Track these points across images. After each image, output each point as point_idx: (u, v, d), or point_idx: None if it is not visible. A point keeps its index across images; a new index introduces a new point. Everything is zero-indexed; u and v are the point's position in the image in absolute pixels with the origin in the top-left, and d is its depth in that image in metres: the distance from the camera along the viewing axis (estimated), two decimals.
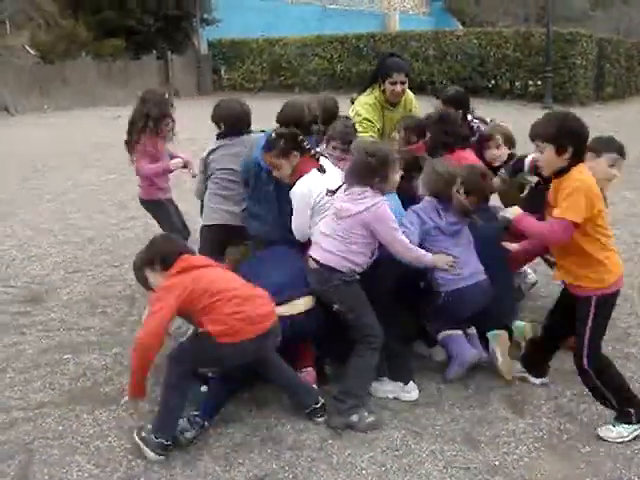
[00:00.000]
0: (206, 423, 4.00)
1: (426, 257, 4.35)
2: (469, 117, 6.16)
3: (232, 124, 5.42)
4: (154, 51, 31.43)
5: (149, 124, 5.63)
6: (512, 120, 20.44)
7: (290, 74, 34.08)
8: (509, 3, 59.66)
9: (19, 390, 4.61)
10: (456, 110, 5.85)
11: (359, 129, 5.79)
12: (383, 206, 4.12)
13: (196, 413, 3.98)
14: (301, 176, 4.58)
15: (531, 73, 28.19)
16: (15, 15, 28.92)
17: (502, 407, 4.34)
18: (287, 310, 4.17)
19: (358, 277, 4.19)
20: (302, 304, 4.24)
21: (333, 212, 4.26)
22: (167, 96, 6.16)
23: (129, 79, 29.38)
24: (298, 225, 4.62)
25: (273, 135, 4.64)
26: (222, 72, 35.01)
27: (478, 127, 6.14)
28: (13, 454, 3.88)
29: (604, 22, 62.36)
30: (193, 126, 19.28)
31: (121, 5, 29.20)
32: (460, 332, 4.66)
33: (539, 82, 27.77)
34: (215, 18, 33.66)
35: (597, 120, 21.83)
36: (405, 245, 4.21)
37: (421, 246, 4.45)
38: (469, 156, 5.29)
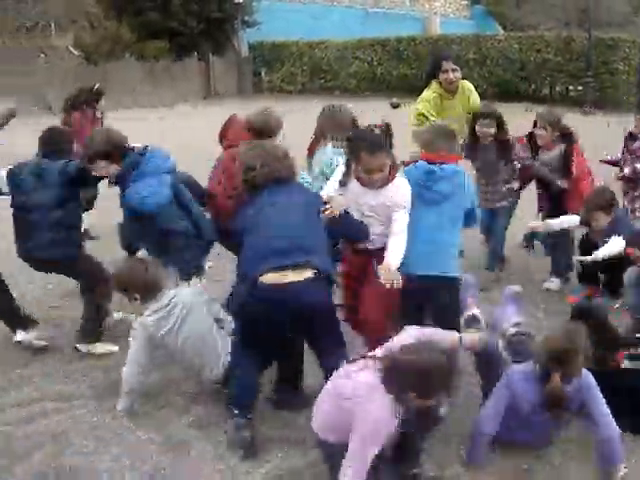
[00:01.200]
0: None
1: None
2: None
3: None
4: (196, 53, 31.76)
5: None
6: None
7: (330, 77, 34.21)
8: (550, 7, 59.10)
9: (55, 381, 4.77)
10: None
11: (415, 122, 6.89)
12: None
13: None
14: None
15: (572, 78, 28.04)
16: (60, 17, 29.43)
17: None
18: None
19: None
20: None
21: None
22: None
23: (172, 80, 29.74)
24: None
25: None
26: (262, 74, 35.25)
27: None
28: (44, 443, 4.02)
29: None
30: None
31: (164, 7, 29.65)
32: None
33: (580, 87, 27.59)
34: (256, 20, 33.95)
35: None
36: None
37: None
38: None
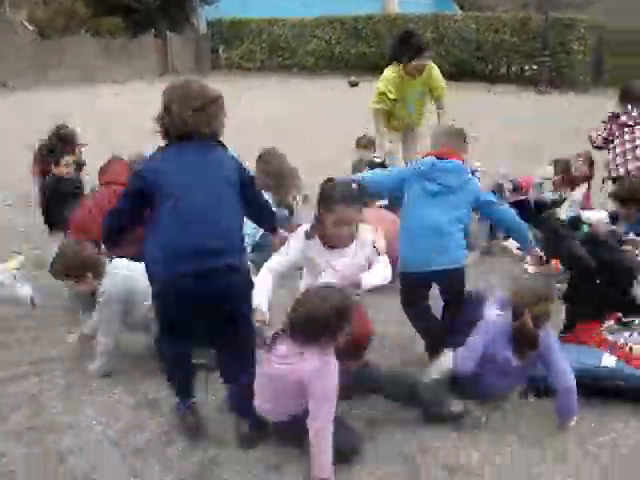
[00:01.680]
0: None
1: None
2: None
3: None
4: (153, 30, 31.49)
5: None
6: (508, 103, 20.71)
7: (288, 54, 34.18)
8: None
9: (27, 347, 4.82)
10: None
11: (375, 101, 7.45)
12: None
13: None
14: None
15: (528, 58, 28.40)
16: None
17: None
18: None
19: None
20: None
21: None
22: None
23: (128, 57, 29.49)
24: None
25: None
26: (220, 51, 35.09)
27: None
28: (21, 404, 4.09)
29: (603, 9, 62.38)
30: None
31: None
32: None
33: (535, 67, 27.96)
34: None
35: (595, 107, 22.06)
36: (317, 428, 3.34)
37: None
38: None
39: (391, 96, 7.36)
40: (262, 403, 3.59)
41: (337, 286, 3.58)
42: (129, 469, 3.51)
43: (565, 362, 3.87)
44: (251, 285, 3.64)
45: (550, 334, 3.94)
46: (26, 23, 28.11)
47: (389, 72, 7.38)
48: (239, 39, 34.93)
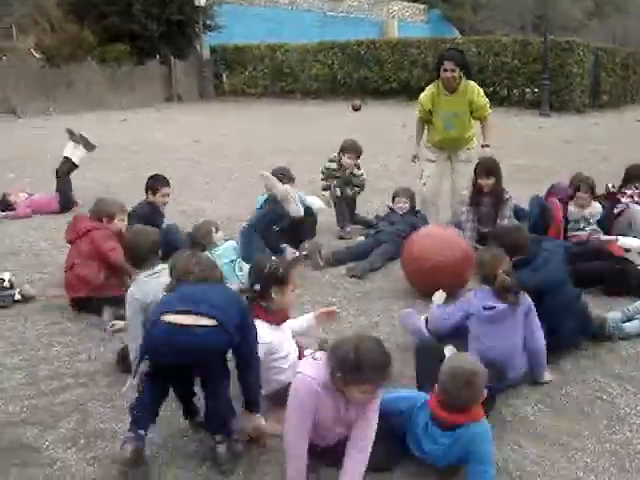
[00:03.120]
0: None
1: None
2: None
3: None
4: (157, 56, 31.90)
5: None
6: (512, 126, 21.00)
7: (291, 80, 34.56)
8: (507, 12, 60.13)
9: (66, 361, 5.05)
10: None
11: (418, 110, 7.98)
12: None
13: None
14: None
15: (528, 81, 28.72)
16: (21, 19, 29.41)
17: None
18: None
19: None
20: None
21: None
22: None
23: (133, 83, 29.87)
24: None
25: None
26: (224, 77, 35.50)
27: None
28: (70, 412, 4.32)
29: (600, 31, 63.01)
30: (196, 130, 19.80)
31: (125, 11, 29.76)
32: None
33: (536, 89, 28.29)
34: (217, 24, 34.18)
35: (594, 128, 22.39)
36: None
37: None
38: None
39: (425, 106, 7.80)
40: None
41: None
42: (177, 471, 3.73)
43: (539, 326, 4.59)
44: None
45: (527, 297, 4.58)
46: (33, 51, 28.52)
47: (429, 87, 7.84)
48: (242, 65, 35.34)
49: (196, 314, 3.57)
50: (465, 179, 7.76)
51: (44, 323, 5.77)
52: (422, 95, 7.87)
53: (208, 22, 33.86)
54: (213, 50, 35.43)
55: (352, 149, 8.45)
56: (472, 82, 7.70)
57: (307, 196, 7.82)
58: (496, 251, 4.80)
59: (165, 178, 7.48)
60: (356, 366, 3.26)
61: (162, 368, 3.77)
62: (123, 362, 4.75)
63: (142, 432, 3.72)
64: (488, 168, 7.30)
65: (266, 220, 7.04)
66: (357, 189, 8.60)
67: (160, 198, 7.34)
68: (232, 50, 35.54)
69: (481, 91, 7.76)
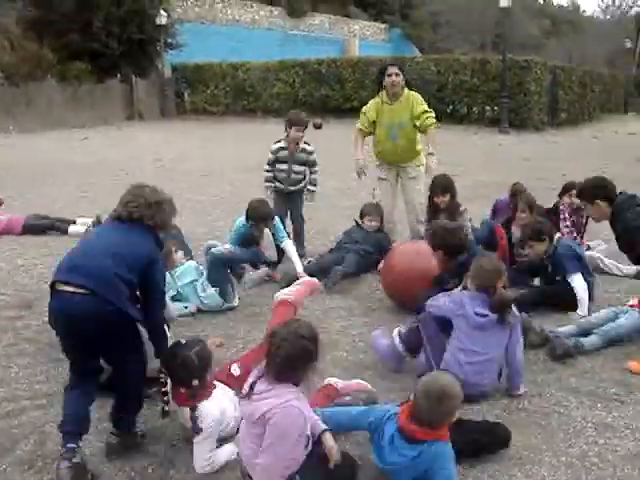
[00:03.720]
0: None
1: None
2: None
3: None
4: (118, 75, 31.80)
5: None
6: (471, 144, 21.24)
7: (253, 98, 34.63)
8: (466, 31, 60.92)
9: (25, 383, 4.99)
10: None
11: (359, 121, 7.89)
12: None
13: None
14: None
15: (488, 99, 29.11)
16: None
17: None
18: None
19: None
20: None
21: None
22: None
23: (95, 102, 29.72)
24: None
25: None
26: (186, 96, 35.48)
27: None
28: (28, 434, 4.28)
29: (557, 50, 64.17)
30: (157, 148, 19.74)
31: (85, 29, 29.61)
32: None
33: (495, 107, 28.68)
34: (179, 42, 34.17)
35: (553, 145, 22.74)
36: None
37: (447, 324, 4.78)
38: None
39: (370, 117, 7.72)
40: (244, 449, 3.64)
41: None
42: None
43: (520, 340, 4.77)
44: None
45: (516, 311, 4.75)
46: None
47: (372, 100, 7.83)
48: (204, 83, 35.37)
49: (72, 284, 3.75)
50: (416, 195, 7.80)
51: (1, 345, 5.69)
52: (365, 107, 7.82)
53: (169, 40, 33.90)
54: (175, 68, 35.44)
55: (298, 120, 8.09)
56: (413, 92, 7.71)
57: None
58: (497, 263, 4.93)
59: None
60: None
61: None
62: None
63: (73, 445, 3.81)
64: (443, 185, 7.38)
65: (240, 260, 7.10)
66: (312, 188, 8.37)
67: None
68: (194, 68, 35.57)
69: (420, 99, 7.65)
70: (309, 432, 3.47)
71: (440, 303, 4.86)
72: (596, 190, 5.67)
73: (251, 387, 3.51)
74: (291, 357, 3.45)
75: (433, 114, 7.66)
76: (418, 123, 7.55)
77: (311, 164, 8.24)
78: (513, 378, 4.73)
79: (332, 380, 4.57)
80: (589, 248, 7.93)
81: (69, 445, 3.80)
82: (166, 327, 4.49)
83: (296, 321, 3.75)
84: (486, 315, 4.62)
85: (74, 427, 3.90)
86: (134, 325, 3.95)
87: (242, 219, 7.27)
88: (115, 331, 3.80)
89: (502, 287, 4.74)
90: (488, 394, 4.71)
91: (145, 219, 4.07)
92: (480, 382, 4.61)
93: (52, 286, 3.84)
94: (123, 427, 4.10)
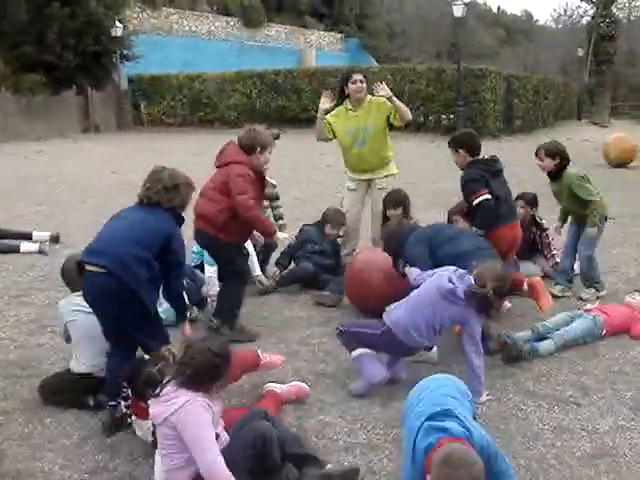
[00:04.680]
0: None
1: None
2: None
3: None
4: (74, 86, 31.53)
5: None
6: (428, 152, 21.42)
7: (210, 109, 34.58)
8: (422, 40, 61.48)
9: None
10: None
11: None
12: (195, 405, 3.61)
13: None
14: None
15: (444, 107, 29.43)
16: None
17: None
18: None
19: None
20: None
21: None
22: None
23: (49, 114, 29.43)
24: None
25: None
26: (142, 107, 35.31)
27: None
28: None
29: (512, 59, 65.09)
30: (115, 160, 19.60)
31: (39, 40, 29.31)
32: (371, 352, 4.93)
33: (451, 116, 28.99)
34: (135, 54, 33.96)
35: (508, 152, 23.00)
36: (210, 461, 3.54)
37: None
38: None
39: (332, 121, 7.64)
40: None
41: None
42: None
43: (479, 344, 4.79)
44: None
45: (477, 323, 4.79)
46: None
47: (339, 106, 7.71)
48: (160, 95, 35.24)
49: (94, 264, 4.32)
50: (381, 205, 7.82)
51: None
52: (328, 116, 7.69)
53: (125, 52, 33.71)
54: (131, 80, 35.27)
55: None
56: (375, 97, 7.62)
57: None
58: (501, 271, 4.83)
59: None
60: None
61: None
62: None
63: (114, 403, 4.40)
64: (395, 200, 7.35)
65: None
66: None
67: None
68: (150, 80, 35.43)
69: (383, 100, 7.51)
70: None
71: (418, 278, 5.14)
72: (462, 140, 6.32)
73: (161, 389, 3.68)
74: (200, 371, 3.63)
75: None
76: (392, 119, 7.49)
77: (275, 198, 8.30)
78: (471, 381, 4.67)
79: (271, 386, 4.69)
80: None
81: (111, 403, 4.42)
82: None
83: (210, 339, 4.16)
84: (456, 287, 4.70)
85: (114, 389, 4.41)
86: (146, 307, 4.39)
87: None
88: (129, 309, 4.30)
89: (493, 289, 4.67)
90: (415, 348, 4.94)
91: (163, 203, 4.56)
92: (413, 333, 4.73)
93: (80, 265, 4.41)
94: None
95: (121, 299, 4.25)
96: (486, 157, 6.35)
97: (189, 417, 3.53)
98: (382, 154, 7.72)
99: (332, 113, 7.74)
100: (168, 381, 3.68)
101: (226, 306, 6.06)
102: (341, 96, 7.68)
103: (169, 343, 4.42)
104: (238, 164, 5.93)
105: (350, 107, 7.61)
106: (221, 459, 3.52)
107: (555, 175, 7.06)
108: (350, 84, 7.48)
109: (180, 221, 4.70)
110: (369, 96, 7.64)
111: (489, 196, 5.96)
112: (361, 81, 7.47)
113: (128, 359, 4.43)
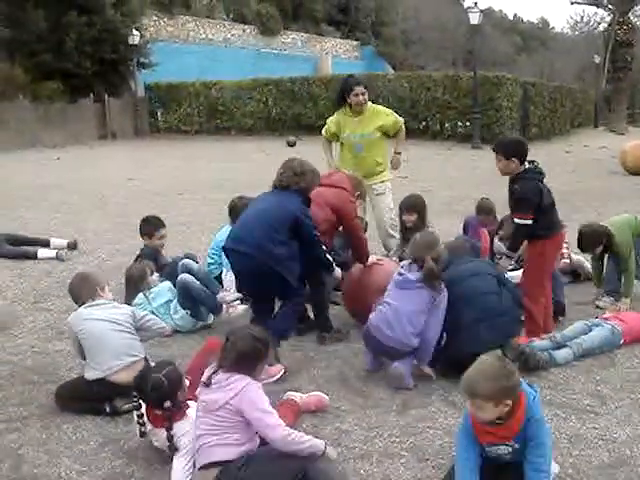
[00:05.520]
0: None
1: (318, 445, 3.87)
2: None
3: None
4: (91, 94, 31.75)
5: None
6: (445, 159, 21.38)
7: (226, 117, 34.67)
8: (438, 48, 61.40)
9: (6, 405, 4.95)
10: None
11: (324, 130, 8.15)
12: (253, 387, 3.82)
13: None
14: None
15: (460, 115, 29.37)
16: None
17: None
18: None
19: None
20: None
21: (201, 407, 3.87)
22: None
23: (67, 122, 29.63)
24: None
25: None
26: (159, 115, 35.47)
27: None
28: (3, 458, 4.23)
29: (528, 66, 64.92)
30: (131, 167, 19.69)
31: (58, 49, 29.57)
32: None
33: (468, 123, 28.92)
34: (152, 62, 34.16)
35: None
36: (283, 435, 3.72)
37: None
38: None
39: (330, 128, 7.96)
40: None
41: None
42: None
43: (440, 321, 5.13)
44: None
45: (445, 290, 5.13)
46: None
47: (337, 113, 7.93)
48: (177, 102, 35.38)
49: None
50: (384, 212, 7.86)
51: None
52: (328, 120, 8.01)
53: (142, 60, 33.93)
54: (148, 88, 35.46)
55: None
56: (376, 105, 7.93)
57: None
58: (430, 237, 5.38)
59: (158, 218, 7.41)
60: None
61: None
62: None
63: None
64: (409, 204, 7.32)
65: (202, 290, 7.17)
66: None
67: (157, 241, 7.25)
68: (166, 88, 35.60)
69: (384, 110, 7.95)
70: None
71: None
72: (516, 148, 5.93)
73: (209, 378, 3.83)
74: (245, 354, 3.85)
75: (400, 118, 8.01)
76: (392, 132, 7.87)
77: None
78: (419, 351, 5.10)
79: (291, 394, 4.70)
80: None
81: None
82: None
83: (250, 326, 4.51)
84: (404, 274, 5.16)
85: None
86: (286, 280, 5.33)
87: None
88: (270, 282, 5.34)
89: (433, 260, 5.06)
90: (402, 349, 5.05)
91: (292, 185, 5.53)
92: (384, 330, 5.04)
93: (225, 250, 5.67)
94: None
95: (262, 275, 5.27)
96: (530, 165, 5.98)
97: (252, 398, 3.74)
98: (379, 160, 7.84)
99: (332, 119, 7.95)
100: (215, 370, 3.85)
101: (322, 315, 6.21)
102: (340, 103, 7.81)
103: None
104: None
105: (350, 114, 7.70)
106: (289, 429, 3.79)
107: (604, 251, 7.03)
108: (352, 96, 7.60)
109: (307, 202, 5.59)
110: (369, 103, 7.75)
111: (530, 222, 5.66)
112: (363, 93, 7.61)
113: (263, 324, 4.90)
